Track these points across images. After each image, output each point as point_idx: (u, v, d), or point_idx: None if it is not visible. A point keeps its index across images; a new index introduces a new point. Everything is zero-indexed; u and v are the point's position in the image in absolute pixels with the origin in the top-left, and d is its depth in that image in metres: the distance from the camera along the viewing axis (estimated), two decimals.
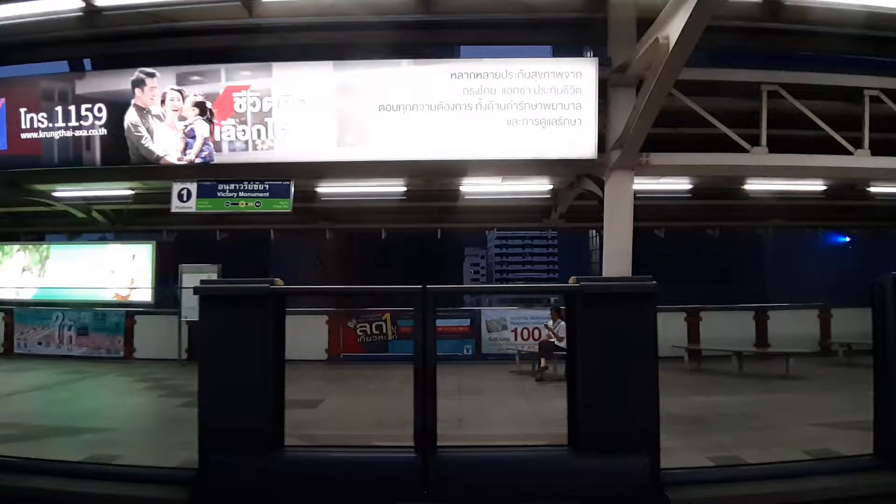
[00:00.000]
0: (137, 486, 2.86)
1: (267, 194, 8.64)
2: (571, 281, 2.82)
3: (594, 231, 30.71)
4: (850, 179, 10.16)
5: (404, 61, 8.14)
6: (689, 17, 5.76)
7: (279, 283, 2.78)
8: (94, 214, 12.92)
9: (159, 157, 8.25)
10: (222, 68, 8.12)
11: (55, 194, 10.88)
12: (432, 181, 10.36)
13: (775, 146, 7.99)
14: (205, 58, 8.54)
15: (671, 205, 12.36)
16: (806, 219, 14.15)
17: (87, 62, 10.85)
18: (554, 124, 7.83)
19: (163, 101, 8.15)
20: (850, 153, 8.05)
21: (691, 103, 7.79)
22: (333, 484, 2.67)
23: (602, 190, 8.20)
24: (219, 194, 8.66)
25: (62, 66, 10.38)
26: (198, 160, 8.20)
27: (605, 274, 7.98)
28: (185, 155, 8.20)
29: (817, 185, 10.70)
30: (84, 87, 8.35)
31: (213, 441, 2.69)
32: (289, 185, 8.62)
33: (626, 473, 2.63)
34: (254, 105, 8.05)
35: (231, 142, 8.12)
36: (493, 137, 7.90)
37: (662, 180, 9.58)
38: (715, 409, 7.05)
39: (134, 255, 13.02)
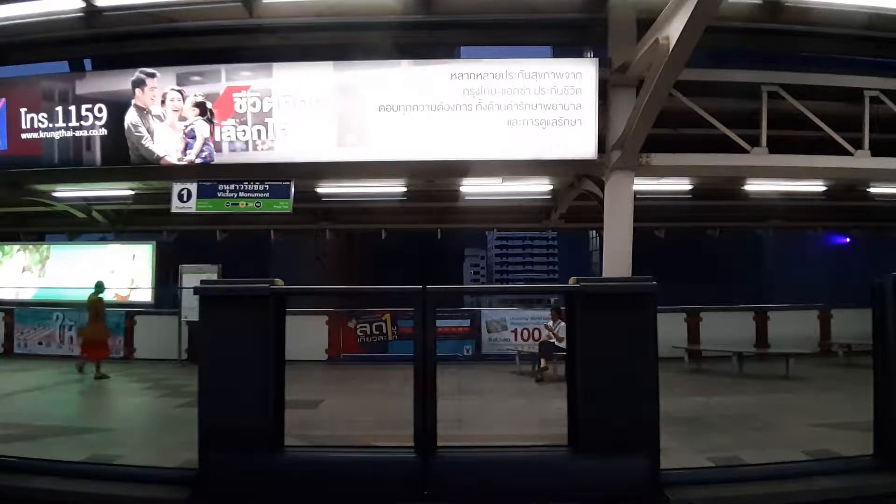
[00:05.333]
0: (137, 486, 2.86)
1: (267, 194, 8.64)
2: (571, 281, 2.82)
3: (594, 231, 30.69)
4: (851, 180, 10.16)
5: (404, 61, 8.14)
6: (689, 18, 5.76)
7: (279, 283, 2.78)
8: (94, 214, 12.92)
9: (159, 158, 8.25)
10: (223, 68, 8.13)
11: (55, 194, 10.88)
12: (432, 181, 10.36)
13: (775, 147, 7.99)
14: (205, 58, 8.55)
15: (671, 205, 12.36)
16: (806, 219, 14.14)
17: (87, 62, 10.89)
18: (554, 125, 7.83)
19: (163, 102, 8.15)
20: (850, 154, 8.05)
21: (691, 104, 7.79)
22: (333, 484, 2.67)
23: (602, 190, 8.20)
24: (219, 194, 8.67)
25: (62, 66, 10.40)
26: (198, 160, 8.20)
27: (605, 274, 7.98)
28: (185, 155, 8.20)
29: (817, 186, 10.71)
30: (84, 87, 8.35)
31: (213, 441, 2.70)
32: (289, 185, 8.63)
33: (626, 473, 2.63)
34: (254, 105, 8.05)
35: (231, 142, 8.13)
36: (493, 138, 7.90)
37: (663, 181, 9.58)
38: (715, 409, 7.05)
39: (134, 256, 13.02)
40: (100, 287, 10.39)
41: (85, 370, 9.81)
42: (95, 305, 10.14)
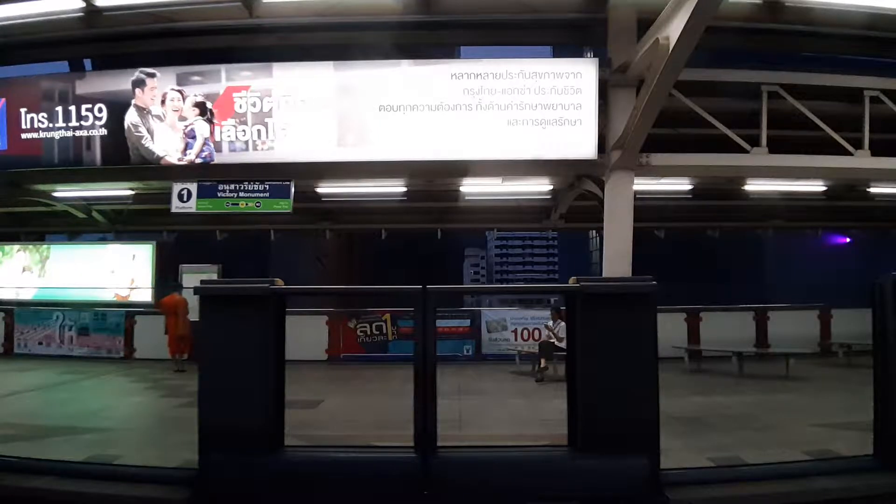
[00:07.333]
0: (137, 486, 2.87)
1: (267, 194, 8.64)
2: (572, 281, 2.82)
3: (594, 231, 30.68)
4: (851, 180, 10.18)
5: (404, 61, 8.14)
6: (689, 18, 5.76)
7: (279, 283, 2.78)
8: (94, 214, 12.92)
9: (159, 158, 8.25)
10: (223, 68, 8.13)
11: (55, 194, 10.88)
12: (432, 181, 10.36)
13: (775, 147, 7.99)
14: (205, 58, 8.54)
15: (671, 205, 12.35)
16: (806, 219, 14.15)
17: (87, 62, 10.85)
18: (554, 125, 7.83)
19: (163, 102, 8.15)
20: (850, 154, 8.05)
21: (691, 104, 7.80)
22: (333, 484, 2.67)
23: (602, 190, 8.20)
24: (219, 194, 8.67)
25: (62, 66, 10.37)
26: (198, 160, 8.20)
27: (605, 274, 7.98)
28: (185, 155, 8.20)
29: (817, 186, 10.71)
30: (84, 87, 8.36)
31: (213, 441, 2.70)
32: (289, 185, 8.63)
33: (626, 473, 2.63)
34: (254, 105, 8.05)
35: (231, 142, 8.13)
36: (493, 138, 7.90)
37: (663, 181, 9.58)
38: (715, 409, 7.04)
39: (134, 256, 13.01)
40: (178, 288, 11.17)
41: (180, 365, 10.37)
42: (180, 305, 10.79)
